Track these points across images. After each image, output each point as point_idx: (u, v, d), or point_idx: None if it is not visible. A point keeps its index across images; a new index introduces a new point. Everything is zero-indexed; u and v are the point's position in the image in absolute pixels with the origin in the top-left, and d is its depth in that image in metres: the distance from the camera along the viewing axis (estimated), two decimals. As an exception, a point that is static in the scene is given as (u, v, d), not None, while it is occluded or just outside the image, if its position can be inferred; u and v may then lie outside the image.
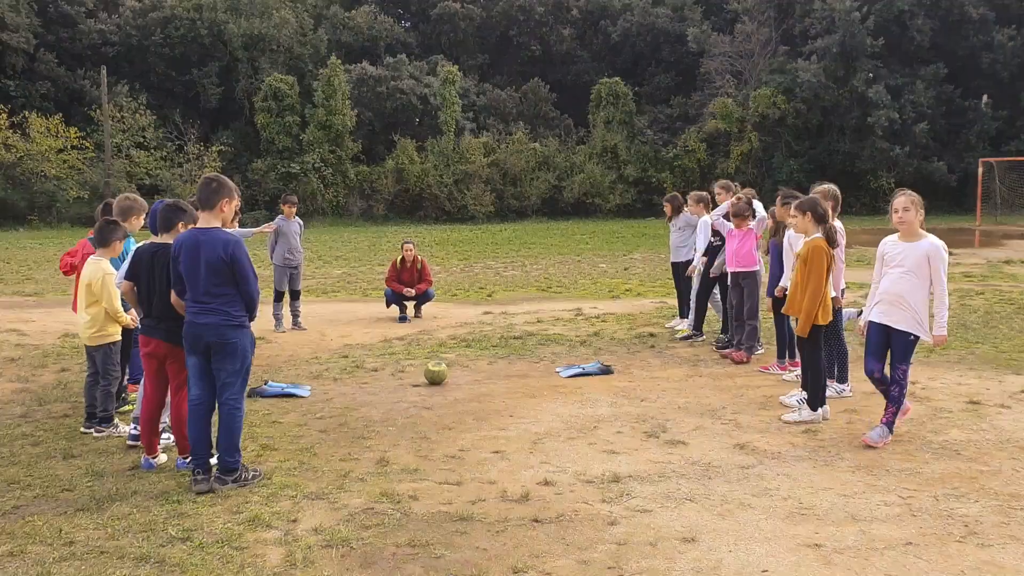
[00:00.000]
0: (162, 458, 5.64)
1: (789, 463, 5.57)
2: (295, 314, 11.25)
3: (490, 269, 18.84)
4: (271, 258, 11.19)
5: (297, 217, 11.38)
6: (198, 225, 5.35)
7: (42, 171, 35.74)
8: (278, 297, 11.20)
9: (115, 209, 6.83)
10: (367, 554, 4.25)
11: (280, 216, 11.19)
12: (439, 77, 43.13)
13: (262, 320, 11.50)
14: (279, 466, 5.59)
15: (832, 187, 7.28)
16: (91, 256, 6.55)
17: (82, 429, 6.44)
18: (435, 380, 7.94)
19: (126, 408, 6.90)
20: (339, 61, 41.17)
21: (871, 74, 38.98)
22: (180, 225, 5.65)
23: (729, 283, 9.23)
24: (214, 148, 39.36)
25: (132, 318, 6.38)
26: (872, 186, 39.19)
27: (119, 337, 6.53)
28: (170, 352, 5.51)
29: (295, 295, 11.27)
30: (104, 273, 6.33)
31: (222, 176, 5.52)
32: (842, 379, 7.33)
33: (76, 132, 36.62)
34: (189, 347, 5.25)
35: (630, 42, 49.20)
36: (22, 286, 16.26)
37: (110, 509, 4.84)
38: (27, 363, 9.07)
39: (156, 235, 5.91)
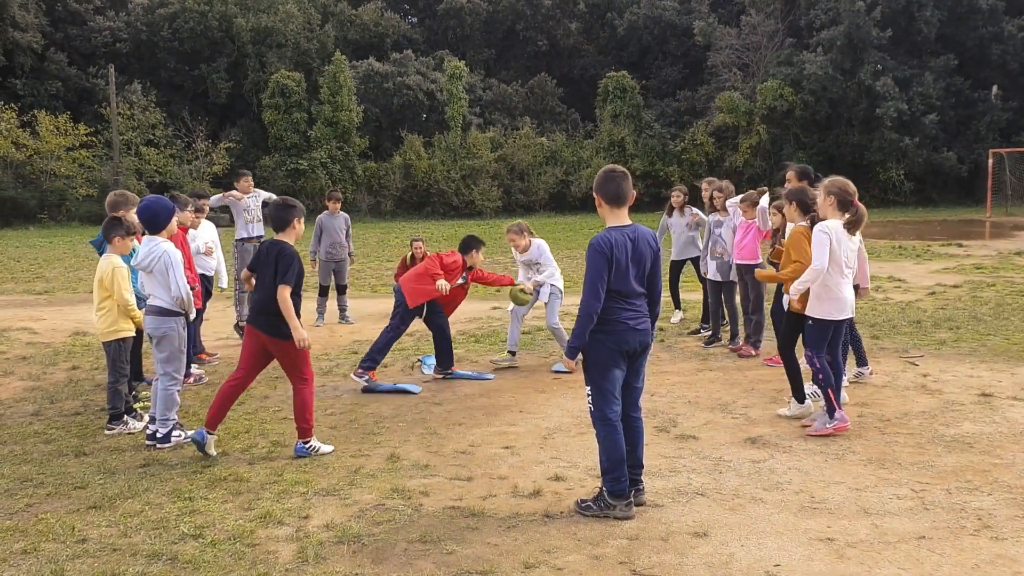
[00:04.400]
0: (322, 447, 5.81)
1: (800, 457, 5.55)
2: (342, 308, 11.37)
3: (498, 264, 18.80)
4: (312, 255, 11.28)
5: (343, 212, 11.49)
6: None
7: (52, 169, 35.90)
8: (322, 292, 11.31)
9: (106, 204, 6.90)
10: (378, 550, 4.26)
11: (325, 212, 11.29)
12: (445, 72, 43.09)
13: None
14: (290, 462, 5.60)
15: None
16: (103, 254, 6.60)
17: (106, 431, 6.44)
18: (519, 302, 8.40)
19: (139, 405, 6.91)
20: (344, 57, 41.20)
21: (879, 66, 38.72)
22: (295, 222, 5.90)
23: (735, 276, 9.22)
24: (222, 145, 39.46)
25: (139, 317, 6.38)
26: (881, 177, 38.98)
27: (132, 333, 6.55)
28: (270, 344, 5.71)
29: (342, 289, 11.39)
30: (114, 267, 6.35)
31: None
32: (862, 362, 7.47)
33: (84, 129, 36.73)
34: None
35: (636, 35, 49.03)
36: (32, 284, 16.33)
37: (122, 506, 4.86)
38: (38, 361, 9.11)
39: (149, 232, 6.12)
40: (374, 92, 43.48)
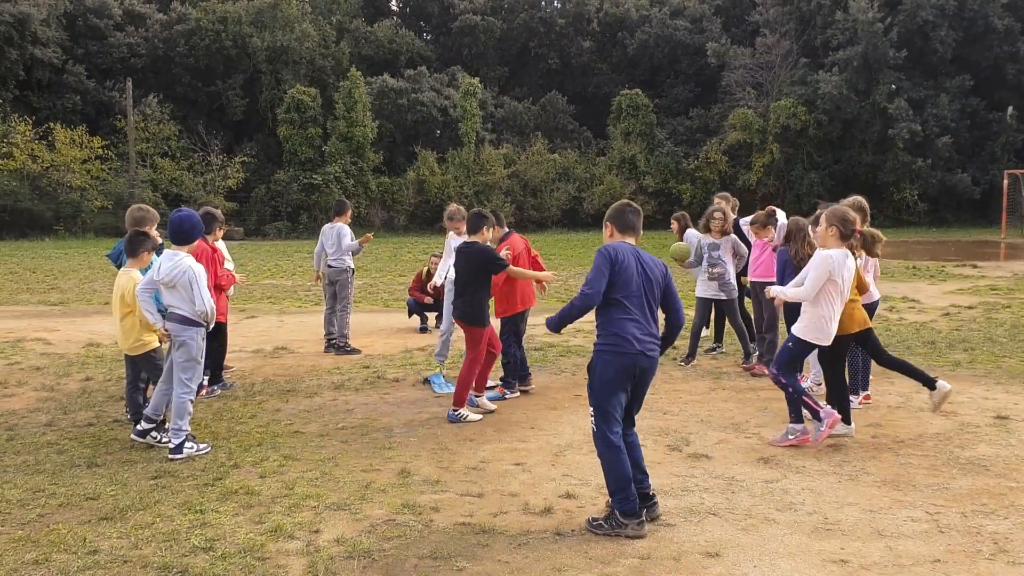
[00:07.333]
0: (470, 415, 7.00)
1: (814, 477, 5.51)
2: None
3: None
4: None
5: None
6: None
7: (67, 181, 36.24)
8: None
9: (128, 220, 6.93)
10: (389, 566, 4.24)
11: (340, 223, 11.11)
12: (459, 89, 43.35)
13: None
14: (301, 476, 5.60)
15: (857, 200, 7.15)
16: (122, 268, 6.64)
17: (132, 436, 6.45)
18: (680, 256, 9.35)
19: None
20: (359, 73, 41.52)
21: (894, 86, 38.63)
22: (485, 229, 7.13)
23: (750, 295, 9.20)
24: (237, 159, 39.76)
25: (163, 328, 6.35)
26: (895, 198, 38.87)
27: (158, 343, 6.58)
28: (466, 329, 7.07)
29: None
30: (135, 283, 6.39)
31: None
32: (855, 389, 7.32)
33: (99, 142, 37.10)
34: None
35: (648, 54, 49.24)
36: (47, 295, 16.44)
37: (133, 518, 4.87)
38: (52, 372, 9.16)
39: (177, 244, 6.22)
40: (388, 108, 43.76)
